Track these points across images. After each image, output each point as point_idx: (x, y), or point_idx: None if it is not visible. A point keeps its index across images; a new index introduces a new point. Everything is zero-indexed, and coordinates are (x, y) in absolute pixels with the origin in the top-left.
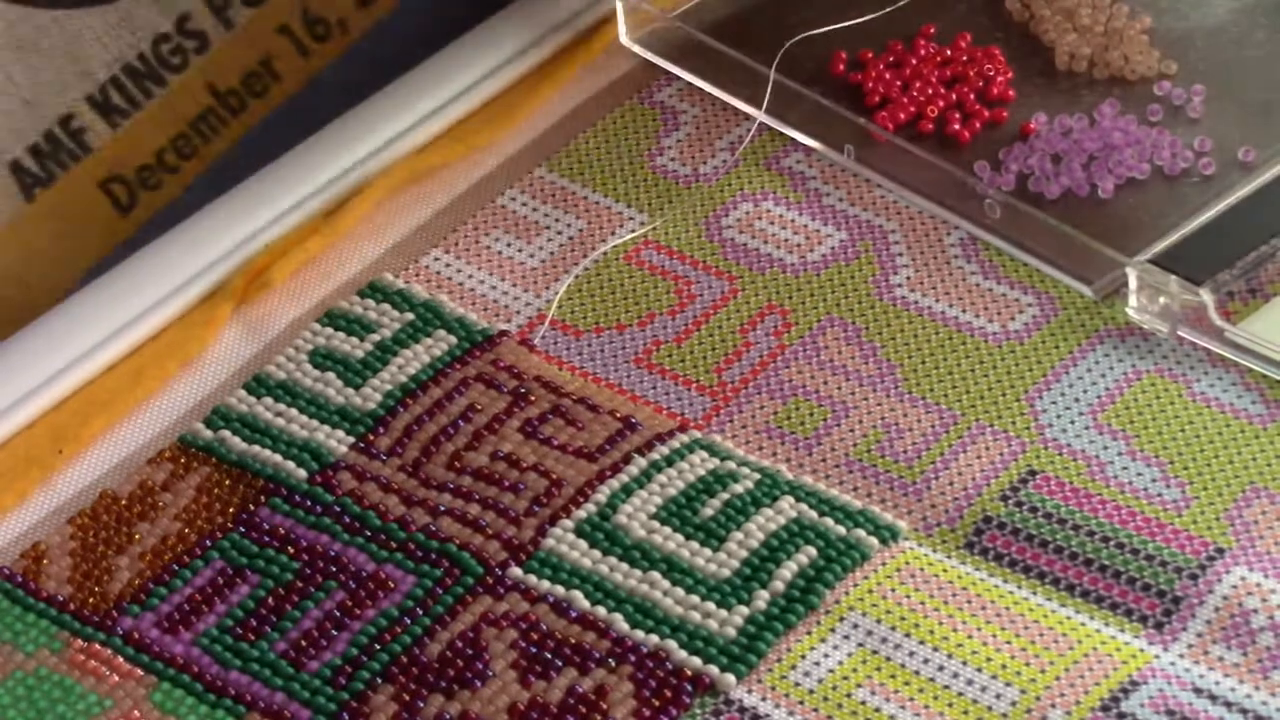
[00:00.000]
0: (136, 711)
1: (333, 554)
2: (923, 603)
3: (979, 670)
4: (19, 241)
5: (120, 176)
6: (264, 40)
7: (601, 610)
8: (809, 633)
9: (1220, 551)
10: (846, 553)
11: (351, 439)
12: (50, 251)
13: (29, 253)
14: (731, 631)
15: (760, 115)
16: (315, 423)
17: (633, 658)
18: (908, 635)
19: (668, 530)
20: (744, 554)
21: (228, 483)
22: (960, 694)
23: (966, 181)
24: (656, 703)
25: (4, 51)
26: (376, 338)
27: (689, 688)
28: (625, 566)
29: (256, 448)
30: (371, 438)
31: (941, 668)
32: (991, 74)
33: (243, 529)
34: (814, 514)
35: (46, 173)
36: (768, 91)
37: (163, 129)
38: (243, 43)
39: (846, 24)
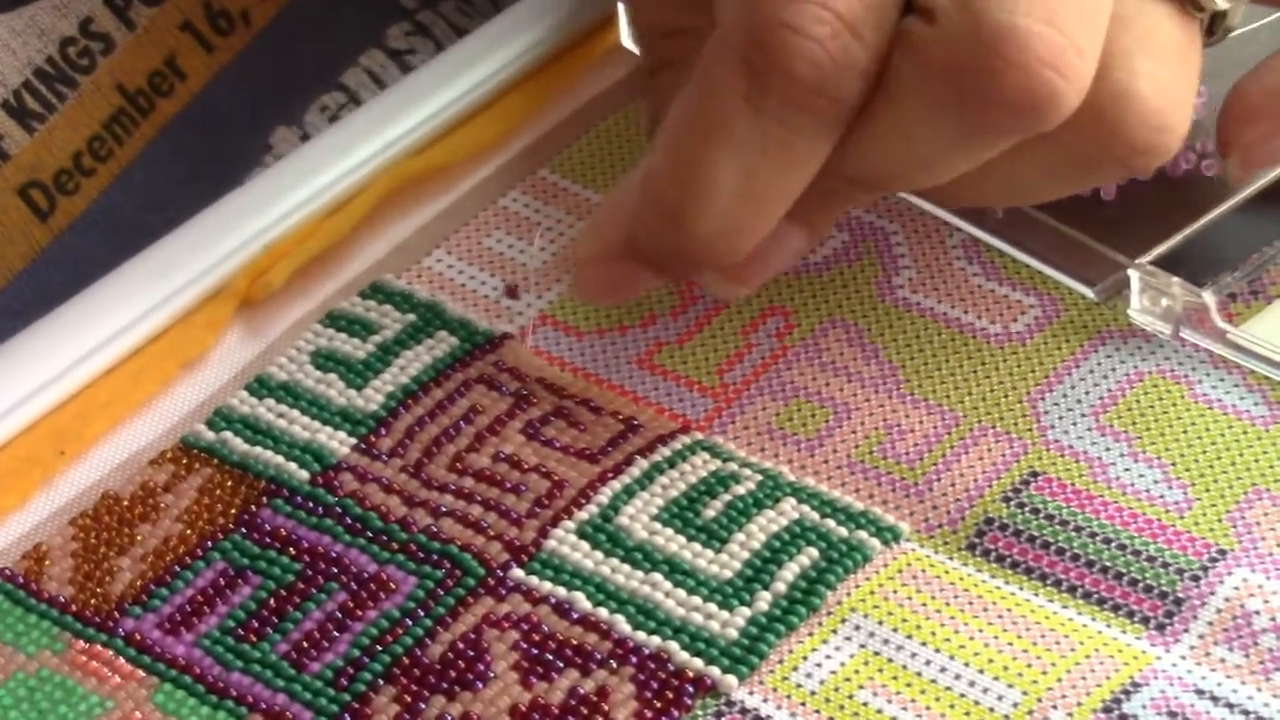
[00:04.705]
0: (138, 713)
1: (334, 555)
2: (924, 604)
3: (980, 672)
4: None
5: (38, 182)
6: (168, 38)
7: (603, 611)
8: (811, 634)
9: (1222, 553)
10: (848, 554)
11: (353, 440)
12: None
13: None
14: (733, 633)
15: None
16: (317, 424)
17: (634, 659)
18: (909, 637)
19: (669, 532)
20: (746, 555)
21: (229, 484)
22: (962, 695)
23: None
24: (658, 704)
25: None
26: (378, 339)
27: (691, 689)
28: (627, 568)
29: (258, 449)
30: (373, 439)
31: (943, 669)
32: None
33: (244, 530)
34: (816, 515)
35: None
36: None
37: (78, 131)
38: (146, 42)
39: None
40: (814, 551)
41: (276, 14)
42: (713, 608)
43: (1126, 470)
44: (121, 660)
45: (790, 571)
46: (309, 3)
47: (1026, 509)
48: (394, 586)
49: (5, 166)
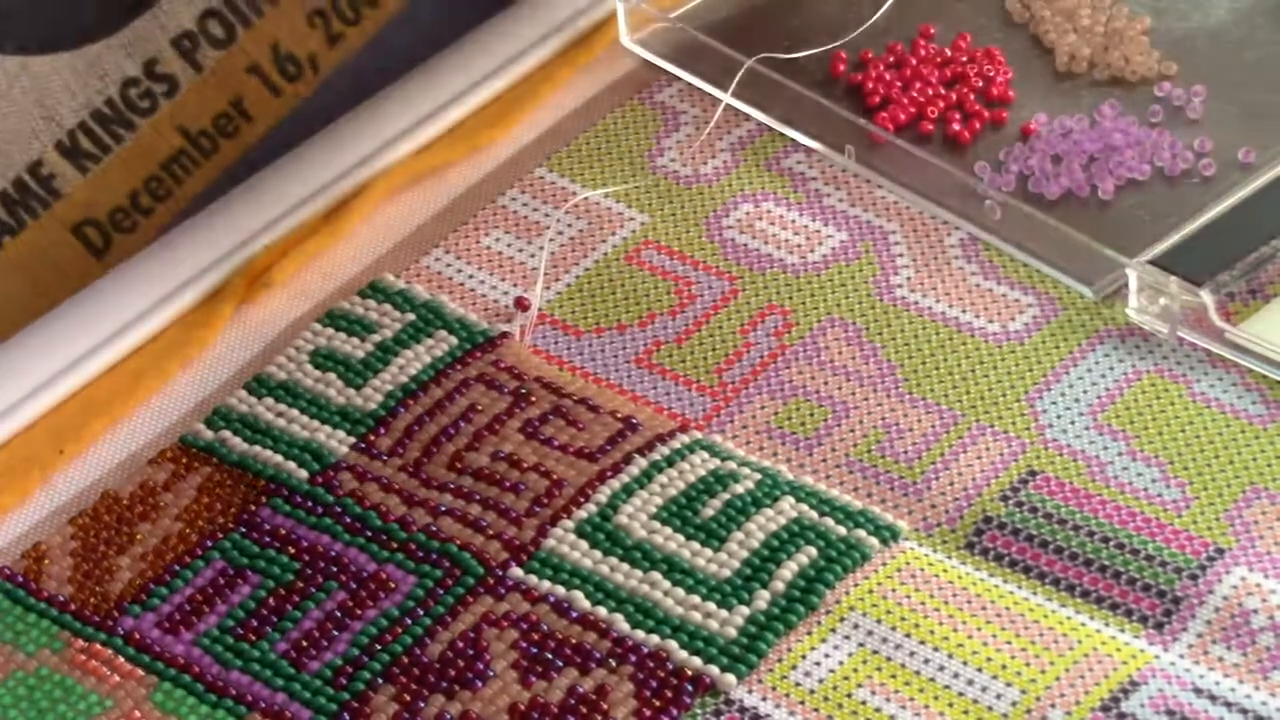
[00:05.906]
0: (137, 712)
1: (333, 554)
2: (923, 603)
3: (979, 670)
4: None
5: (93, 220)
6: (234, 81)
7: (602, 610)
8: (809, 633)
9: (1220, 552)
10: (847, 553)
11: (352, 439)
12: (22, 297)
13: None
14: (732, 632)
15: (726, 98)
16: (316, 423)
17: (633, 658)
18: (908, 635)
19: (668, 530)
20: (744, 554)
21: (229, 483)
22: (961, 694)
23: (967, 182)
24: (657, 703)
25: None
26: (377, 338)
27: (689, 688)
28: (626, 567)
29: (257, 448)
30: (372, 438)
31: (942, 668)
32: (992, 74)
33: (243, 529)
34: (814, 514)
35: (16, 220)
36: (735, 79)
37: (134, 172)
38: (212, 85)
39: (843, 42)
40: (813, 550)
41: (342, 61)
42: (711, 606)
43: (1125, 469)
44: (121, 659)
45: (789, 570)
46: (378, 49)
47: (1025, 508)
48: (393, 585)
49: (57, 205)
